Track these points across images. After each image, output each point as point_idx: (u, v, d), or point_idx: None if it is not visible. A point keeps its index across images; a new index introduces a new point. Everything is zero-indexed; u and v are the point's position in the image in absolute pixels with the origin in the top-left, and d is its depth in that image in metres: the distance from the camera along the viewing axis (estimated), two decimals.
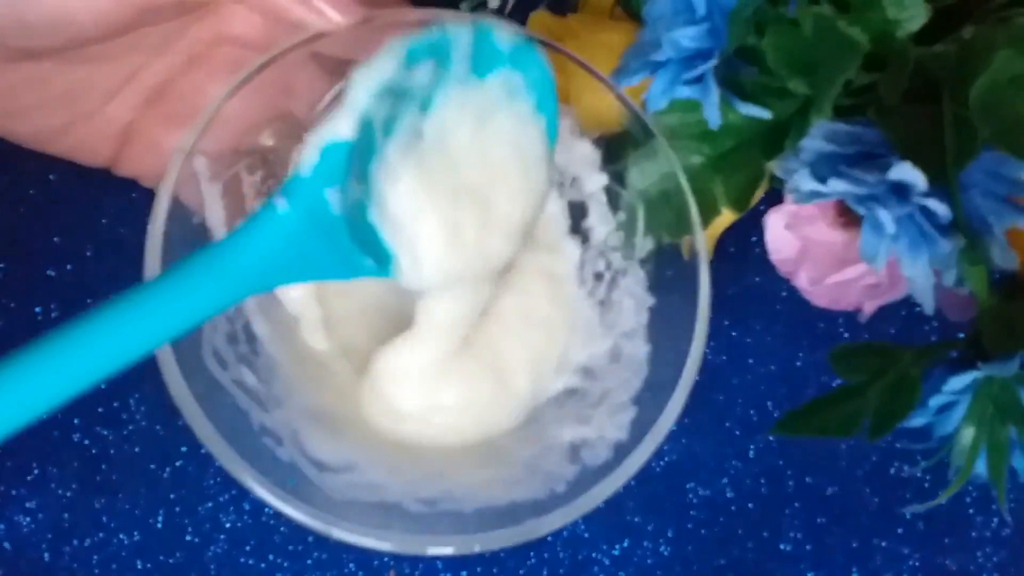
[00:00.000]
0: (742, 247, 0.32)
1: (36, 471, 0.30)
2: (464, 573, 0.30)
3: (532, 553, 0.30)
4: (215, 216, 0.24)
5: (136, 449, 0.30)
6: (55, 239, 0.31)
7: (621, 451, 0.22)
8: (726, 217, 0.29)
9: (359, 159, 0.20)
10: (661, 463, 0.31)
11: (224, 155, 0.24)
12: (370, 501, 0.23)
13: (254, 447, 0.22)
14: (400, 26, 0.25)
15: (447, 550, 0.21)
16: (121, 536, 0.29)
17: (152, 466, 0.30)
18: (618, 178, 0.27)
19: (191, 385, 0.21)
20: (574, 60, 0.25)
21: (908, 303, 0.31)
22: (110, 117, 0.25)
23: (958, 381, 0.24)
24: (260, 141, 0.26)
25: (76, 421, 0.30)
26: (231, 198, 0.24)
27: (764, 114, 0.24)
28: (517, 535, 0.21)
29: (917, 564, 0.31)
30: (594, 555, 0.30)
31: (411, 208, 0.21)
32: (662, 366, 0.24)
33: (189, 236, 0.23)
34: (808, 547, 0.31)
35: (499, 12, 0.27)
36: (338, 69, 0.26)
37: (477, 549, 0.21)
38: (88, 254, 0.31)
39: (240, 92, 0.23)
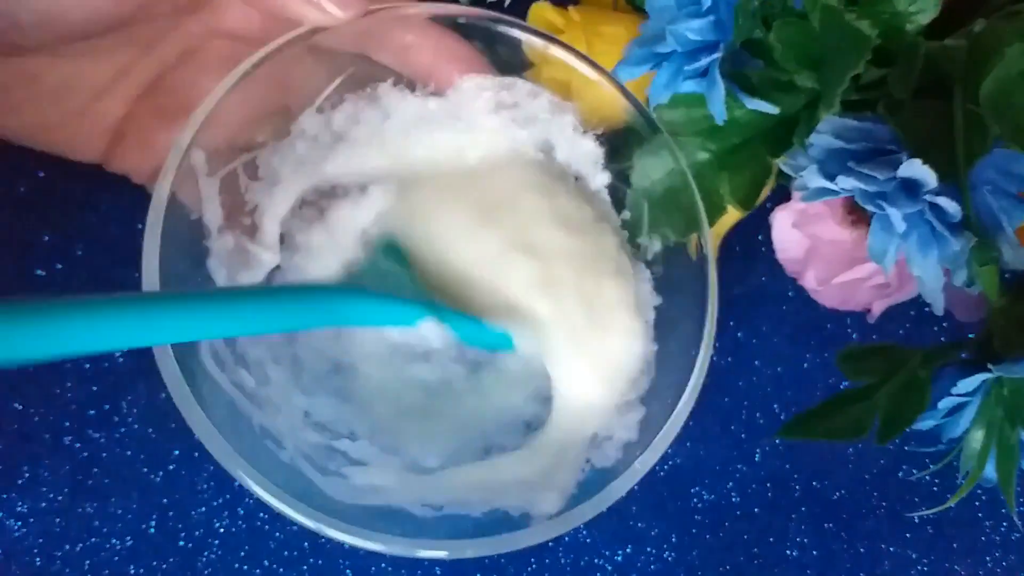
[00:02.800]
0: (748, 246, 0.32)
1: (27, 475, 0.29)
2: None
3: (533, 559, 0.30)
4: (212, 212, 0.24)
5: (128, 453, 0.29)
6: (45, 237, 0.30)
7: (630, 451, 0.22)
8: (732, 215, 0.28)
9: None
10: (665, 467, 0.31)
11: (221, 151, 0.24)
12: (374, 505, 0.22)
13: (255, 449, 0.21)
14: (399, 20, 0.24)
15: (446, 554, 0.21)
16: (113, 541, 0.29)
17: (144, 470, 0.29)
18: (622, 176, 0.26)
19: (191, 385, 0.20)
20: (575, 54, 0.25)
21: (917, 303, 0.30)
22: (102, 112, 0.25)
23: (968, 383, 0.24)
24: (257, 137, 0.25)
25: (67, 424, 0.29)
26: (228, 194, 0.24)
27: (771, 109, 0.24)
28: (525, 539, 0.20)
29: (926, 569, 0.31)
30: (597, 561, 0.30)
31: None
32: (670, 366, 0.24)
33: (186, 232, 0.23)
34: (815, 552, 0.31)
35: (498, 5, 0.26)
36: (336, 64, 0.25)
37: (472, 553, 0.20)
38: (79, 253, 0.30)
39: (237, 87, 0.23)
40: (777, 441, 0.31)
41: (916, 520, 0.31)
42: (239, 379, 0.23)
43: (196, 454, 0.29)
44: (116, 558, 0.29)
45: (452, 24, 0.25)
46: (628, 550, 0.30)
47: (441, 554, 0.20)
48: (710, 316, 0.22)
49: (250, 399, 0.23)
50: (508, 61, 0.26)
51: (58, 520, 0.29)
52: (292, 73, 0.25)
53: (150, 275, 0.21)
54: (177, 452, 0.29)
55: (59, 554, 0.29)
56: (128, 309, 0.17)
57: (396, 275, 0.24)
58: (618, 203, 0.26)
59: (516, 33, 0.25)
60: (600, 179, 0.26)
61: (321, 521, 0.20)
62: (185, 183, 0.22)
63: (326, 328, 0.23)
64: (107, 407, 0.30)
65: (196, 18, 0.25)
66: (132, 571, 0.29)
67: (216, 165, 0.23)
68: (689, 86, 0.23)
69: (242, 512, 0.29)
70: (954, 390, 0.24)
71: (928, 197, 0.22)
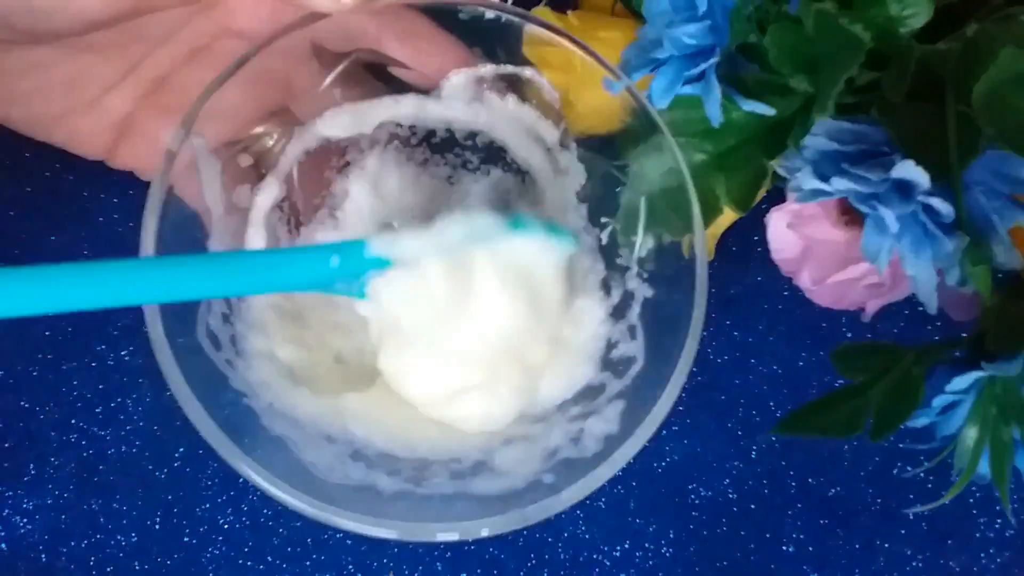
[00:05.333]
0: (744, 246, 0.32)
1: (33, 472, 0.29)
2: (463, 575, 0.30)
3: (532, 554, 0.30)
4: (211, 207, 0.24)
5: (133, 450, 0.30)
6: (51, 237, 0.31)
7: (611, 443, 0.22)
8: (728, 216, 0.28)
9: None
10: (663, 464, 0.31)
11: (221, 147, 0.24)
12: (364, 486, 0.22)
13: (250, 432, 0.22)
14: (402, 10, 0.25)
15: (453, 536, 0.21)
16: (118, 537, 0.29)
17: (149, 467, 0.30)
18: (610, 179, 0.26)
19: (182, 365, 0.21)
20: (584, 49, 0.25)
21: (911, 303, 0.30)
22: (109, 107, 0.25)
23: (961, 381, 0.24)
24: (257, 135, 0.25)
25: (73, 421, 0.30)
26: (228, 191, 0.24)
27: (767, 111, 0.24)
28: (502, 524, 0.21)
29: (920, 565, 0.31)
30: (595, 556, 0.30)
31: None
32: (658, 361, 0.24)
33: (184, 227, 0.23)
34: (810, 548, 0.31)
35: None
36: (339, 64, 0.26)
37: (487, 532, 0.21)
38: (84, 253, 0.31)
39: (241, 83, 0.23)
40: (773, 438, 0.31)
41: (911, 516, 0.31)
42: (233, 358, 0.23)
43: (201, 451, 0.29)
44: (121, 554, 0.29)
45: (453, 19, 0.25)
46: (626, 546, 0.30)
47: (453, 536, 0.21)
48: (697, 311, 0.23)
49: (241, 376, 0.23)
50: (506, 64, 0.26)
51: (63, 517, 0.29)
52: (296, 74, 0.25)
53: (147, 254, 0.21)
54: (182, 449, 0.30)
55: (64, 550, 0.29)
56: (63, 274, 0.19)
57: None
58: (614, 201, 0.27)
59: (527, 28, 0.25)
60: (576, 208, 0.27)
61: (331, 512, 0.20)
62: (184, 179, 0.23)
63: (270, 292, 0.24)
64: (113, 405, 0.30)
65: (208, 16, 0.25)
66: (137, 567, 0.29)
67: (216, 161, 0.24)
68: (686, 89, 0.24)
69: (246, 508, 0.30)
70: (948, 388, 0.24)
71: (921, 198, 0.22)
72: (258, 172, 0.26)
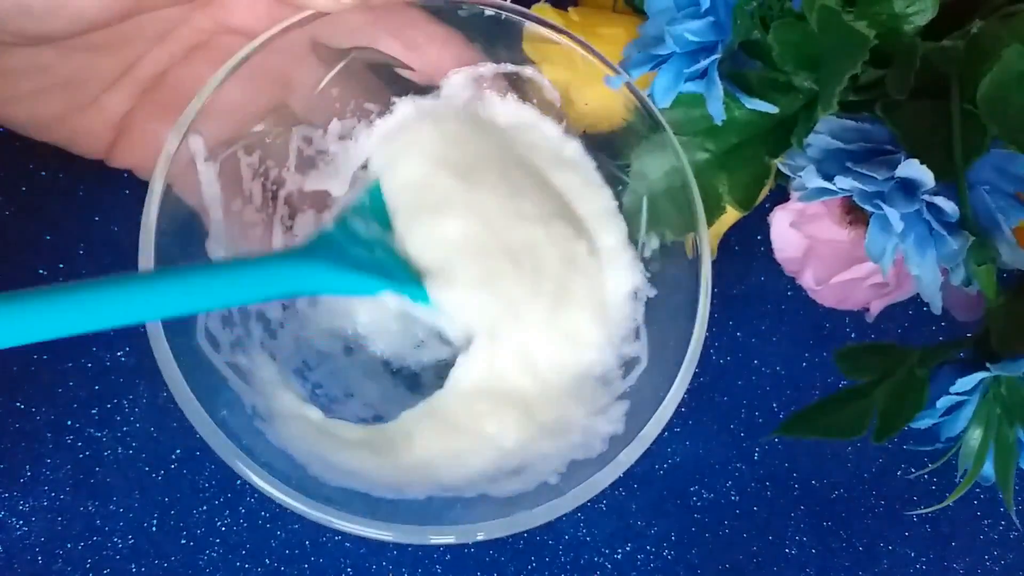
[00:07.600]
0: (747, 246, 0.32)
1: (29, 473, 0.29)
2: None
3: (533, 557, 0.30)
4: (210, 206, 0.24)
5: (130, 451, 0.29)
6: (47, 236, 0.30)
7: (616, 444, 0.22)
8: (731, 215, 0.28)
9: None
10: (664, 465, 0.31)
11: (220, 145, 0.24)
12: (361, 490, 0.22)
13: (247, 431, 0.22)
14: (399, 11, 0.25)
15: (449, 539, 0.21)
16: (115, 540, 0.29)
17: (146, 468, 0.29)
18: (612, 179, 0.26)
19: (180, 365, 0.20)
20: (584, 47, 0.24)
21: (915, 302, 0.30)
22: (107, 106, 0.25)
23: (966, 381, 0.24)
24: (256, 132, 0.25)
25: (69, 423, 0.30)
26: (227, 189, 0.24)
27: (770, 108, 0.24)
28: (505, 527, 0.21)
29: (924, 567, 0.31)
30: (597, 559, 0.30)
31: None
32: (661, 362, 0.24)
33: (183, 226, 0.23)
34: (814, 551, 0.31)
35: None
36: (337, 61, 0.25)
37: (482, 536, 0.21)
38: (80, 252, 0.31)
39: (240, 81, 0.23)
40: (776, 440, 0.31)
41: (915, 518, 0.31)
42: (234, 359, 0.23)
43: (198, 452, 0.29)
44: (118, 557, 0.29)
45: (453, 17, 0.25)
46: (628, 548, 0.30)
47: (449, 539, 0.21)
48: (701, 310, 0.22)
49: (244, 380, 0.23)
50: (507, 61, 0.26)
51: (60, 519, 0.29)
52: (294, 71, 0.25)
53: (146, 252, 0.21)
54: (179, 451, 0.30)
55: (61, 552, 0.29)
56: (73, 296, 0.19)
57: (372, 223, 0.25)
58: (617, 199, 0.26)
59: (528, 26, 0.25)
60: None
61: (330, 514, 0.20)
62: (183, 177, 0.22)
63: (286, 298, 0.24)
64: (109, 406, 0.30)
65: (205, 13, 0.25)
66: (134, 569, 0.29)
67: (215, 159, 0.24)
68: (688, 87, 0.23)
69: (243, 511, 0.29)
70: (952, 389, 0.24)
71: (926, 197, 0.22)
72: (260, 173, 0.25)
